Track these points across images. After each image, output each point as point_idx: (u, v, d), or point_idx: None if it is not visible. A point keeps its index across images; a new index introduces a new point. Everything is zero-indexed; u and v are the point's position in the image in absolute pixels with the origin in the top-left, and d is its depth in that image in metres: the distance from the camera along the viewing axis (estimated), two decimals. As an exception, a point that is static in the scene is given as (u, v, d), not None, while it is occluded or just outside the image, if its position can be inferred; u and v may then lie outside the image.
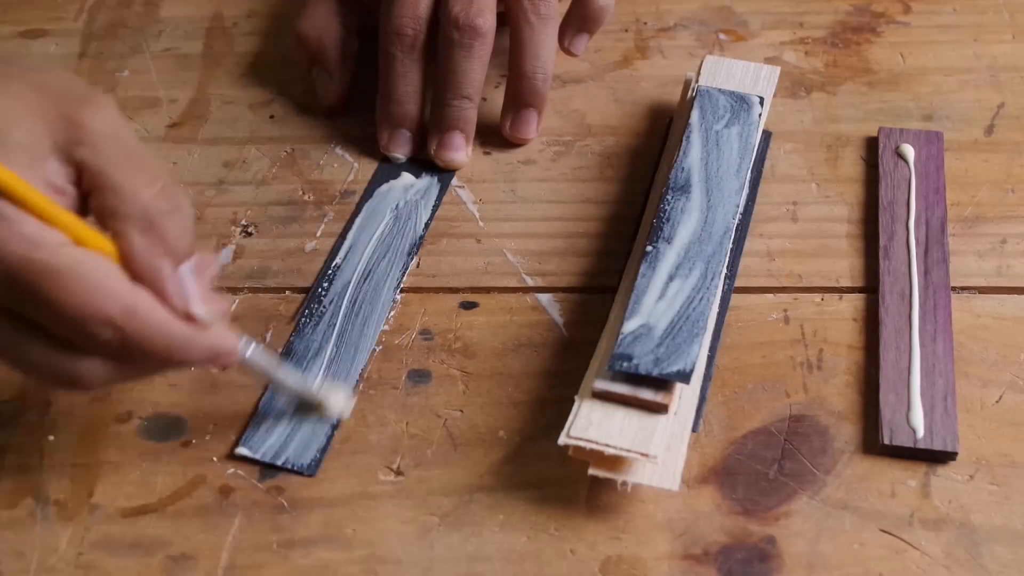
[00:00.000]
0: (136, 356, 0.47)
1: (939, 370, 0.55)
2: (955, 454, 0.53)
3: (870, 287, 0.60)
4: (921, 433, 0.53)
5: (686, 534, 0.51)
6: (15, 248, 0.44)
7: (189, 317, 0.48)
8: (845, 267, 0.61)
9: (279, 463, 0.53)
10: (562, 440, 0.50)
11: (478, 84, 0.64)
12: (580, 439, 0.50)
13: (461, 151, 0.65)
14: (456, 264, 0.61)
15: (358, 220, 0.63)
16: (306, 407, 0.55)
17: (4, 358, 0.48)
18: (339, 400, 0.55)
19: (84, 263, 0.45)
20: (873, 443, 0.54)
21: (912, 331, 0.56)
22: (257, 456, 0.54)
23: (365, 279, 0.60)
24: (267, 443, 0.54)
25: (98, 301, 0.45)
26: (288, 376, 0.54)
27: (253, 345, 0.51)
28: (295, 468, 0.53)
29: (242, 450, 0.54)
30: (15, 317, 0.46)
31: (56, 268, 0.45)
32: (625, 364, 0.51)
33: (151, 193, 0.47)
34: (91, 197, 0.47)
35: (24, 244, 0.44)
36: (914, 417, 0.53)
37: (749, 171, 0.60)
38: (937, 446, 0.53)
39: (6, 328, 0.47)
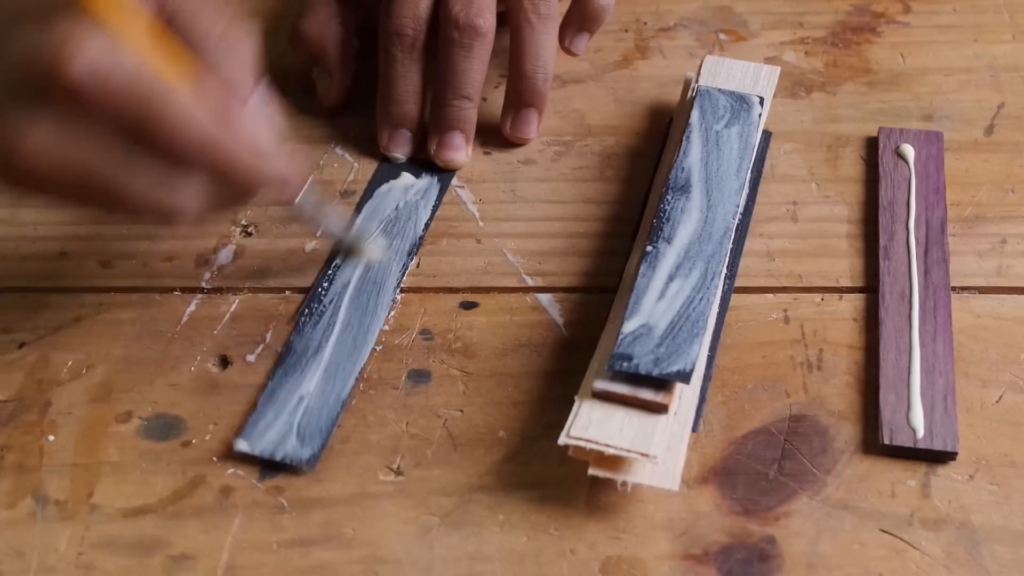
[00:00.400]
0: (224, 178, 0.50)
1: (939, 370, 0.55)
2: (955, 454, 0.53)
3: (870, 287, 0.60)
4: (921, 433, 0.53)
5: (686, 534, 0.51)
6: (127, 63, 0.47)
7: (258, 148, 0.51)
8: (845, 267, 0.61)
9: (278, 458, 0.53)
10: (562, 440, 0.50)
11: (478, 84, 0.64)
12: (580, 439, 0.50)
13: (461, 151, 0.65)
14: (456, 264, 0.61)
15: (358, 220, 0.63)
16: (347, 250, 0.60)
17: (109, 187, 0.49)
18: (376, 248, 0.60)
19: (176, 91, 0.48)
20: (873, 443, 0.54)
21: (912, 331, 0.56)
22: (256, 452, 0.53)
23: (365, 279, 0.60)
24: (266, 438, 0.54)
25: (190, 128, 0.48)
26: (333, 218, 0.60)
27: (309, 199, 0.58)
28: (294, 463, 0.53)
29: (240, 444, 0.54)
30: (126, 139, 0.48)
31: (161, 89, 0.47)
32: (625, 364, 0.51)
33: (222, 26, 0.50)
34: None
35: (134, 62, 0.47)
36: (914, 417, 0.53)
37: (749, 171, 0.60)
38: (937, 446, 0.53)
39: (119, 147, 0.48)
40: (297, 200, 0.56)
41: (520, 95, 0.65)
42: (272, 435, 0.54)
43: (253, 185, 0.51)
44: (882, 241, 0.60)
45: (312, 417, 0.55)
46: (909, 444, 0.53)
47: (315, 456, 0.53)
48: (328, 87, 0.68)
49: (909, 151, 0.64)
